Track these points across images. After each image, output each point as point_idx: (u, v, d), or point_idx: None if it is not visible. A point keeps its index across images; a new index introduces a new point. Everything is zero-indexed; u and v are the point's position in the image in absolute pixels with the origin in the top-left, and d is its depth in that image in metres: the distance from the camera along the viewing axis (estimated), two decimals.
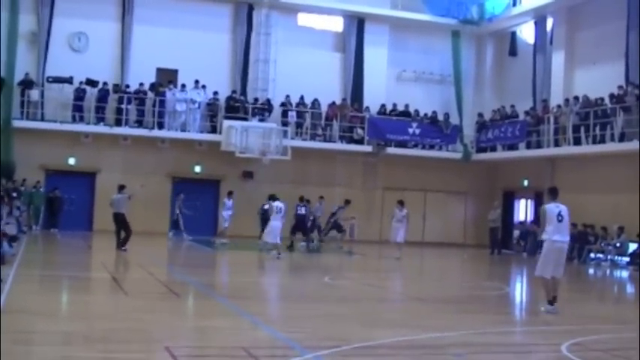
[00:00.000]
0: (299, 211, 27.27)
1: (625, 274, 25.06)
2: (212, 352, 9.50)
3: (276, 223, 24.09)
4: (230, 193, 30.43)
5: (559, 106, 30.84)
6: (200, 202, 32.89)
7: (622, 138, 27.49)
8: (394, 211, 26.65)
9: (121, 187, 24.62)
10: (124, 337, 9.84)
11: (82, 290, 15.19)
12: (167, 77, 33.44)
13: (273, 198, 25.34)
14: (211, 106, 33.47)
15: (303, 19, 35.86)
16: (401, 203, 26.73)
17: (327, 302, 15.05)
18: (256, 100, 34.19)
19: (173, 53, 33.19)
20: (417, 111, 35.51)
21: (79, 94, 31.87)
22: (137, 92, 32.54)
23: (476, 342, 10.81)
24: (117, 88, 32.47)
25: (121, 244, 23.72)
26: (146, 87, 32.73)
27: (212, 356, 9.28)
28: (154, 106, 32.67)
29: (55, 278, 16.77)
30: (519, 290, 21.54)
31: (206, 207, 33.43)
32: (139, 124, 32.55)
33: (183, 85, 32.97)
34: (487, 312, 14.49)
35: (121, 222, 23.98)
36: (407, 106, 35.60)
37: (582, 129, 29.31)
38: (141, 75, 32.68)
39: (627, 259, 26.74)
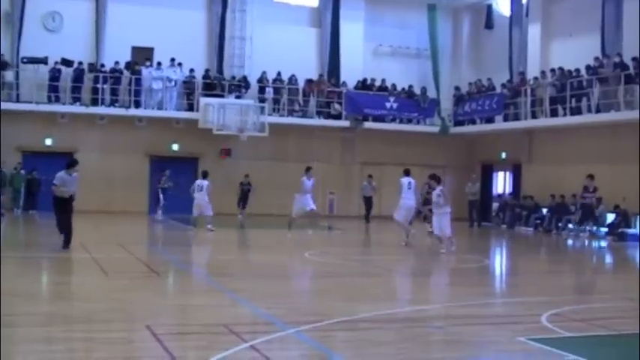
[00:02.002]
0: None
1: (604, 244, 25.25)
2: (193, 330, 9.49)
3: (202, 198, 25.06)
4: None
5: (536, 79, 30.90)
6: (179, 180, 32.81)
7: (598, 109, 27.62)
8: (432, 194, 20.19)
9: (72, 164, 17.92)
10: (105, 317, 9.81)
11: (63, 271, 15.13)
12: (143, 55, 33.10)
13: (204, 175, 26.13)
14: (188, 84, 33.25)
15: None
16: (436, 179, 20.47)
17: (308, 278, 15.09)
18: (233, 77, 34.03)
19: (148, 31, 32.78)
20: (394, 85, 35.46)
21: (55, 75, 31.56)
22: (113, 71, 32.28)
23: (457, 314, 10.90)
24: (92, 67, 32.17)
25: (65, 242, 17.64)
26: (122, 66, 32.48)
27: (193, 334, 9.27)
28: (130, 84, 32.43)
29: (35, 260, 16.67)
30: (499, 262, 21.69)
31: (184, 185, 33.20)
32: (116, 103, 32.34)
33: (159, 63, 32.70)
34: (468, 284, 14.58)
35: (64, 211, 17.61)
36: (384, 80, 35.53)
37: (559, 101, 29.43)
38: (116, 54, 32.32)
39: (605, 229, 26.92)
